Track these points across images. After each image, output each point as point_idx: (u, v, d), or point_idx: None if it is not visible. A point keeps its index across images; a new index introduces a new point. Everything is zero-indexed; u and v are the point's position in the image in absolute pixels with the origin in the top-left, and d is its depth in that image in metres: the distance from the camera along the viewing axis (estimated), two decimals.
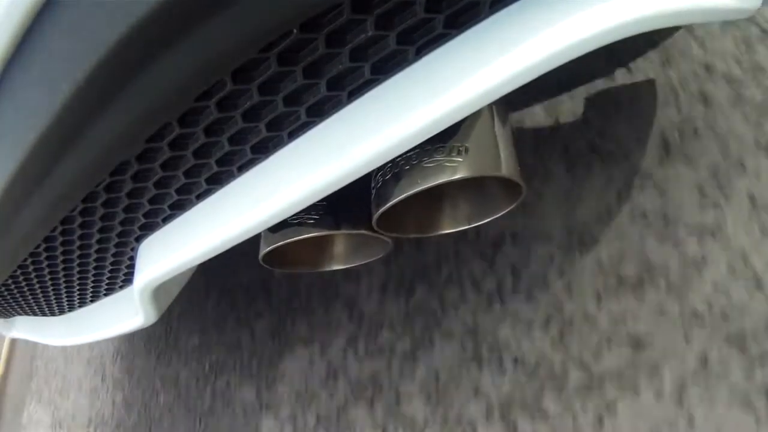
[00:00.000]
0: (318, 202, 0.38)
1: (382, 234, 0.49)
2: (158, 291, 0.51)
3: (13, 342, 1.66)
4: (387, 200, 0.43)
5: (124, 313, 0.61)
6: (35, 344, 1.57)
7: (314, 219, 0.48)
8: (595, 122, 0.59)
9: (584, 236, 0.55)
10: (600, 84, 0.60)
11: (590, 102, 0.60)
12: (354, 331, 0.72)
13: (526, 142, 0.63)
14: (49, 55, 0.31)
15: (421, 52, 0.34)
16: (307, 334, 0.78)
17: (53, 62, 0.32)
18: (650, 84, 0.57)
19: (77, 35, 0.30)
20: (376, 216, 0.45)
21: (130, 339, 1.17)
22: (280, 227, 0.49)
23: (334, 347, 0.74)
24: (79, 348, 1.36)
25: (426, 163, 0.41)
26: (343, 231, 0.50)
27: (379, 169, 0.44)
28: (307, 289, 0.81)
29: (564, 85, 0.63)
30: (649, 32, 0.32)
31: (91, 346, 1.31)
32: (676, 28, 0.57)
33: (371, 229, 0.48)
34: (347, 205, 0.49)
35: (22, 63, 0.33)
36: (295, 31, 0.31)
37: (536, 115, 0.64)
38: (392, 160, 0.42)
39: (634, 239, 0.52)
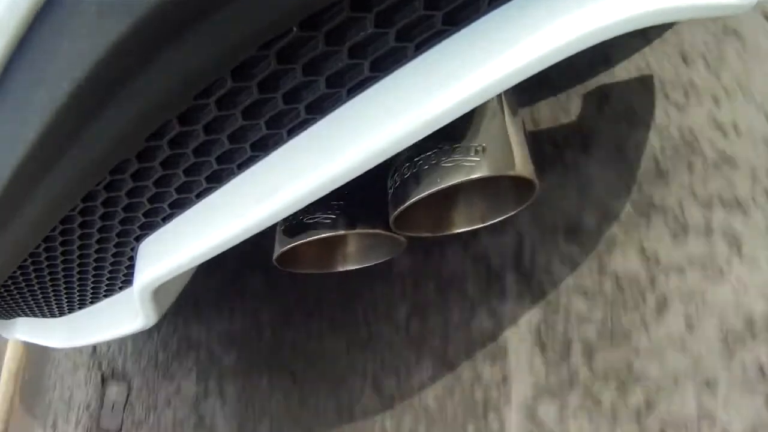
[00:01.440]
0: (334, 201, 0.38)
1: (398, 233, 0.49)
2: (158, 292, 0.51)
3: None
4: (406, 199, 0.43)
5: (124, 314, 0.60)
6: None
7: (330, 219, 0.48)
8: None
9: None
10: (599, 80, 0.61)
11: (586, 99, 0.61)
12: None
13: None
14: (50, 54, 0.31)
15: (420, 48, 0.34)
16: None
17: (53, 61, 0.32)
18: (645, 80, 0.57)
19: (77, 34, 0.30)
20: (394, 215, 0.45)
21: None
22: (295, 227, 0.49)
23: None
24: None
25: (444, 163, 0.42)
26: (359, 230, 0.50)
27: (396, 168, 0.45)
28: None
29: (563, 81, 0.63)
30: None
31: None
32: (669, 25, 0.57)
33: (386, 228, 0.48)
34: (363, 204, 0.49)
35: (22, 62, 0.33)
36: (294, 28, 0.31)
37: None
38: (411, 160, 0.43)
39: None
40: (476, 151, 0.41)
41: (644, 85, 0.57)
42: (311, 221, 0.48)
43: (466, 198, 0.53)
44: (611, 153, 0.56)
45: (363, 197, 0.45)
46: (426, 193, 0.42)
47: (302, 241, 0.49)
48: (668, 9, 0.31)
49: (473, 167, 0.41)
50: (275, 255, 0.52)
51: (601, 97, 0.59)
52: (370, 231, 0.50)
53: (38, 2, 0.30)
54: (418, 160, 0.43)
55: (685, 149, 0.52)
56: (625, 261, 0.53)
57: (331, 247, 0.59)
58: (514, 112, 0.46)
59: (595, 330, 0.53)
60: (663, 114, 0.53)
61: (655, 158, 0.53)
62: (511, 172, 0.42)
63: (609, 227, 0.55)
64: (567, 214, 0.58)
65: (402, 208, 0.44)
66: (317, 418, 0.74)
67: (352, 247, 0.60)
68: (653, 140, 0.54)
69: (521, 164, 0.43)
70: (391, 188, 0.46)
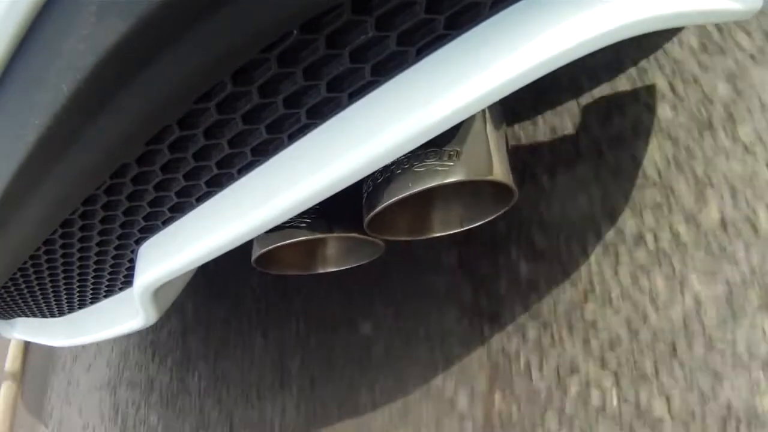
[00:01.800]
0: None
1: (374, 237, 0.49)
2: (159, 292, 0.51)
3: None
4: (378, 203, 0.43)
5: (124, 314, 0.60)
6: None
7: (306, 222, 0.48)
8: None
9: None
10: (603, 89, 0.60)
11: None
12: None
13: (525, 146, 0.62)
14: (49, 56, 0.31)
15: (421, 53, 0.33)
16: None
17: (53, 63, 0.31)
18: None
19: (77, 36, 0.30)
20: (367, 219, 0.45)
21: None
22: (272, 230, 0.48)
23: None
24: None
25: (417, 168, 0.41)
26: (335, 234, 0.50)
27: (370, 173, 0.44)
28: None
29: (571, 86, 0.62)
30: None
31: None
32: (675, 31, 0.57)
33: (363, 232, 0.48)
34: (339, 208, 0.49)
35: (22, 63, 0.33)
36: (295, 31, 0.30)
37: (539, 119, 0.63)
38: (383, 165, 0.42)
39: None
40: (450, 156, 0.41)
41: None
42: (287, 224, 0.48)
43: (443, 202, 0.52)
44: None
45: (339, 201, 0.44)
46: (396, 198, 0.42)
47: (279, 244, 0.49)
48: (673, 14, 0.31)
49: (446, 172, 0.41)
50: (253, 257, 0.51)
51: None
52: (346, 234, 0.50)
53: (38, 3, 0.30)
54: (392, 165, 0.42)
55: None
56: None
57: (310, 249, 0.59)
58: (496, 119, 0.45)
59: None
60: None
61: None
62: (489, 177, 0.42)
63: None
64: None
65: (374, 212, 0.43)
66: None
67: (331, 249, 0.60)
68: None
69: (497, 169, 0.43)
70: (365, 192, 0.45)
